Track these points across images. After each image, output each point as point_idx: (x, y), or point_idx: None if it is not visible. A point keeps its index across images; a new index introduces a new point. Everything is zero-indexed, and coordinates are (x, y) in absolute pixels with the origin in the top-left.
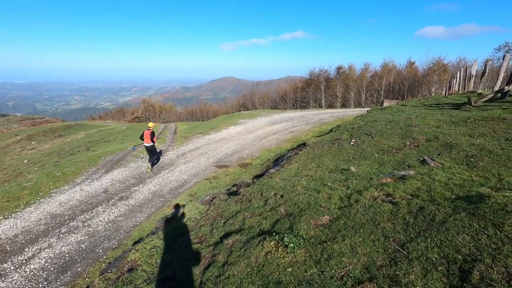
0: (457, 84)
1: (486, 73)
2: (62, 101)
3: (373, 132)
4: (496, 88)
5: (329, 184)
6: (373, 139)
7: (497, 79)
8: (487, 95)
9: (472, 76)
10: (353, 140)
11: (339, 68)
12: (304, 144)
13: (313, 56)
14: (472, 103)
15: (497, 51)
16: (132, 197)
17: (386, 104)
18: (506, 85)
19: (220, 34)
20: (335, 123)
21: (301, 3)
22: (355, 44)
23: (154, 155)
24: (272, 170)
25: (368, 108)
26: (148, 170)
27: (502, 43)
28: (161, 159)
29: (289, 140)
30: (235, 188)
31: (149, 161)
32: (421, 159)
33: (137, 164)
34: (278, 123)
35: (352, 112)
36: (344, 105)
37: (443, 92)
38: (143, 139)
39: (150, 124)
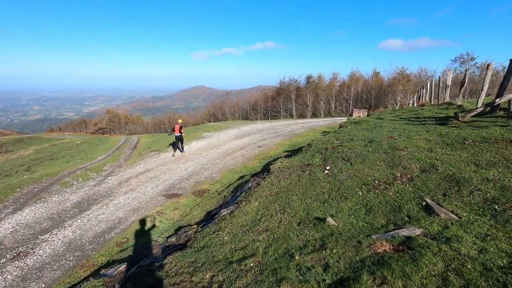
0: (427, 94)
1: (466, 83)
2: (18, 112)
3: (352, 157)
4: (481, 100)
5: (297, 257)
6: (352, 166)
7: (482, 90)
8: (475, 108)
9: (448, 86)
10: (328, 167)
11: (308, 77)
12: (268, 171)
13: (285, 65)
14: (460, 118)
15: (453, 62)
16: (34, 252)
17: (355, 113)
18: (496, 98)
19: (191, 42)
20: (306, 135)
21: (271, 14)
22: (324, 54)
23: (181, 142)
24: (224, 212)
25: (339, 119)
26: (173, 156)
27: (458, 54)
28: (97, 188)
29: (257, 156)
30: (173, 240)
31: (174, 150)
32: (423, 203)
33: (61, 197)
34: (246, 136)
35: (322, 122)
36: (314, 115)
37: (410, 102)
38: (174, 131)
39: (180, 121)
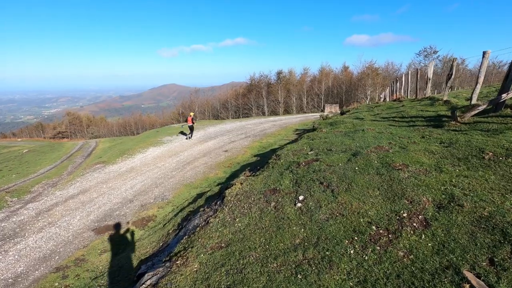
0: (403, 88)
1: (453, 75)
2: None
3: (333, 180)
4: (475, 95)
5: None
6: (335, 198)
7: (476, 82)
8: (476, 106)
9: (429, 79)
10: (301, 198)
11: (279, 72)
12: (223, 199)
13: (256, 62)
14: (458, 118)
15: (417, 55)
16: None
17: (328, 109)
18: (501, 93)
19: (157, 39)
20: (277, 134)
21: (239, 8)
22: (294, 50)
23: (192, 131)
24: (147, 282)
25: (311, 115)
26: (187, 139)
27: (421, 48)
28: (3, 224)
29: (221, 164)
30: None
31: (188, 134)
32: (465, 285)
33: None
34: (212, 139)
35: (295, 119)
36: (286, 111)
37: (382, 96)
38: (186, 121)
39: (191, 113)
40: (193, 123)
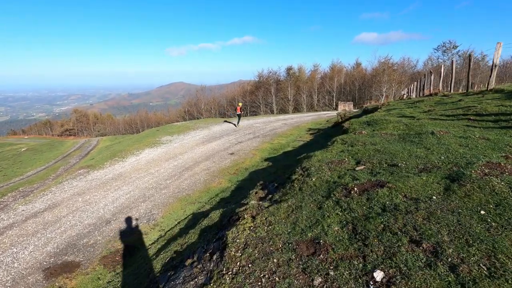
0: (441, 81)
1: None
2: None
3: (443, 240)
4: None
5: None
6: None
7: None
8: None
9: (495, 66)
10: (378, 275)
11: (288, 69)
12: (223, 249)
13: (264, 60)
14: None
15: (436, 50)
16: None
17: (341, 107)
18: None
19: (166, 38)
20: (289, 134)
21: (245, 9)
22: (303, 48)
23: (239, 118)
24: None
25: (324, 113)
26: (237, 125)
27: (440, 43)
28: None
29: (226, 170)
30: None
31: (236, 122)
32: None
33: None
34: (217, 139)
35: (306, 117)
36: (297, 109)
37: (404, 93)
38: (236, 110)
39: (240, 104)
40: (241, 111)
